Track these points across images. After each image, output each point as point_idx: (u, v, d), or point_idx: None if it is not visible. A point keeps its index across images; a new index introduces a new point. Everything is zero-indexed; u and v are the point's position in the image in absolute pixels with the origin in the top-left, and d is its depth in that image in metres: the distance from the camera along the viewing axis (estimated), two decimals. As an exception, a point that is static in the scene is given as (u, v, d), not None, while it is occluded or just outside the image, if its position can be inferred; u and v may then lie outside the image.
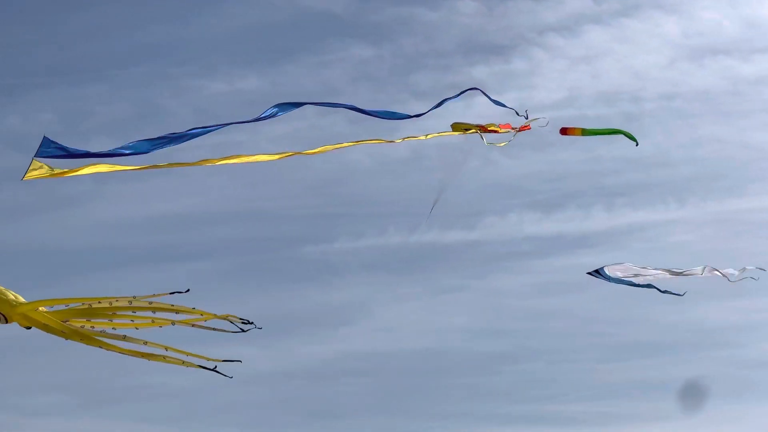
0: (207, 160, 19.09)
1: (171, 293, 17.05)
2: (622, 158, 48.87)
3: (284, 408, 43.22)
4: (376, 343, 45.68)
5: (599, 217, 48.95)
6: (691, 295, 43.68)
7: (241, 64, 52.51)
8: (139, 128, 48.43)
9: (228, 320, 16.92)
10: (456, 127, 26.39)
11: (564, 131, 27.93)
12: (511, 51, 51.89)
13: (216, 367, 17.06)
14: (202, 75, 52.16)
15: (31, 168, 16.11)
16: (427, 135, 24.53)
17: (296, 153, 20.81)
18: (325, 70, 52.54)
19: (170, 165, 18.52)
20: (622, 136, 28.73)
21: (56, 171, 16.60)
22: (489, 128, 26.88)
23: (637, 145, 28.88)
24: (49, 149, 16.40)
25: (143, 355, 17.20)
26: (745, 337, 45.06)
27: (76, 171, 17.07)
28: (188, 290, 16.97)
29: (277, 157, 20.09)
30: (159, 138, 18.30)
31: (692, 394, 38.59)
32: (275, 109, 20.48)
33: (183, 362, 17.07)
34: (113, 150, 17.55)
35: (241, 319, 16.80)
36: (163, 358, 17.03)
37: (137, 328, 17.10)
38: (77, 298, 17.15)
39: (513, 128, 27.49)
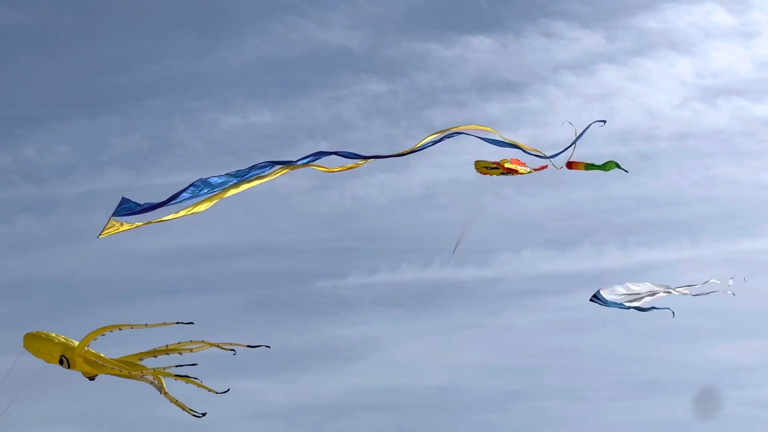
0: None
1: (177, 323, 17.56)
2: (635, 197, 49.16)
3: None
4: (389, 378, 45.68)
5: (613, 255, 49.02)
6: (705, 334, 43.81)
7: (255, 98, 52.96)
8: (153, 161, 48.67)
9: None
10: (478, 166, 26.88)
11: (570, 165, 28.70)
12: (525, 88, 52.27)
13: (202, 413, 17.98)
14: (218, 109, 52.54)
15: (107, 226, 16.71)
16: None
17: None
18: (339, 104, 52.91)
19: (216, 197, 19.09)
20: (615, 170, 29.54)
21: (130, 225, 17.17)
22: (505, 165, 27.24)
23: (627, 172, 29.56)
24: (125, 207, 17.00)
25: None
26: (760, 377, 44.86)
27: (148, 223, 17.60)
28: (192, 323, 17.42)
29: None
30: (227, 174, 19.01)
31: (707, 401, 38.56)
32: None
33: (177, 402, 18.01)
34: (184, 192, 18.12)
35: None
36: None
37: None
38: (114, 325, 17.77)
39: (529, 167, 27.88)
